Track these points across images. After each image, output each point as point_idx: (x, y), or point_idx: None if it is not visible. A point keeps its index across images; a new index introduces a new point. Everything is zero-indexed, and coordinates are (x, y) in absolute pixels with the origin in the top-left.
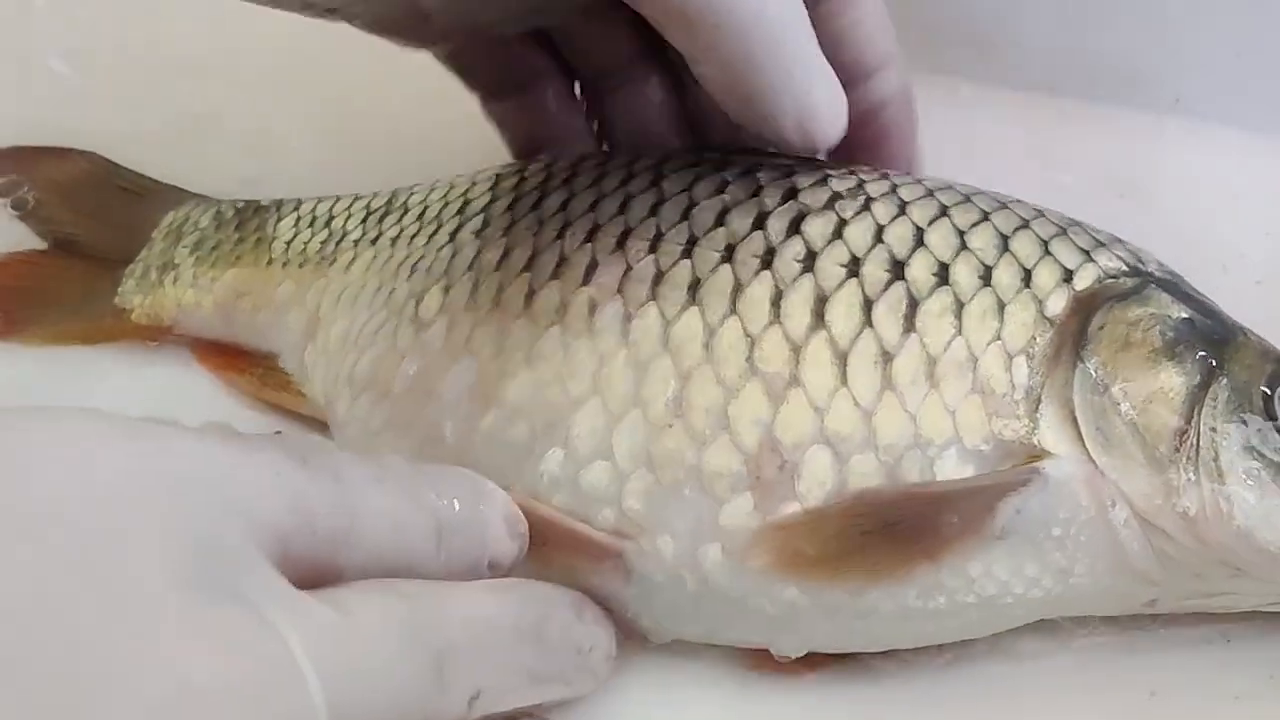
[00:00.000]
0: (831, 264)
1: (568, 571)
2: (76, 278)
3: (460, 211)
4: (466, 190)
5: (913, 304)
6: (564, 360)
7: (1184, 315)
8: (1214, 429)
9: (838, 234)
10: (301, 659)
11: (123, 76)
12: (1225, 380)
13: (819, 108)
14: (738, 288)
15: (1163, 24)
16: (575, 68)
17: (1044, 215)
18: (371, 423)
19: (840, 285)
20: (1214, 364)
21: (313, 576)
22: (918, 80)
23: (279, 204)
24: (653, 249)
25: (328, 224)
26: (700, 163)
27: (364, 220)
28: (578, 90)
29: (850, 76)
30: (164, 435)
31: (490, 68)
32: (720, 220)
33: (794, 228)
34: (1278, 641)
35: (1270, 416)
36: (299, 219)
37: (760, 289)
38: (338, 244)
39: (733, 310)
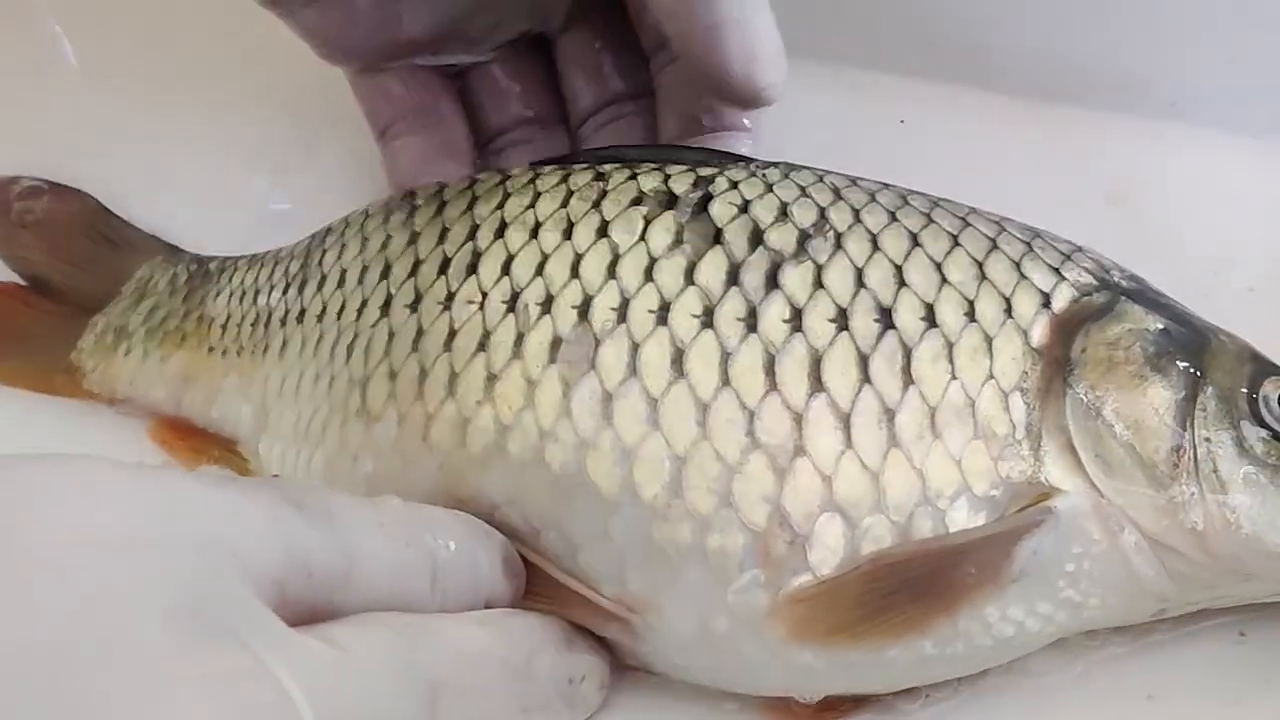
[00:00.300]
0: (820, 320)
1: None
2: (39, 320)
3: (384, 276)
4: (384, 245)
5: (906, 353)
6: (544, 450)
7: (1160, 326)
8: (1208, 439)
9: (818, 283)
10: (296, 696)
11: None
12: (1210, 389)
13: (767, 50)
14: (726, 356)
15: (1158, 30)
16: (476, 116)
17: (1005, 229)
18: None
19: (833, 342)
20: (1197, 373)
21: (309, 617)
22: (913, 87)
23: (220, 268)
24: (622, 318)
25: (255, 299)
26: (641, 198)
27: (285, 292)
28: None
29: None
30: (162, 481)
31: (404, 94)
32: (689, 277)
33: (771, 281)
34: (1275, 647)
35: (1258, 419)
36: (230, 294)
37: (750, 356)
38: (266, 326)
39: (725, 382)
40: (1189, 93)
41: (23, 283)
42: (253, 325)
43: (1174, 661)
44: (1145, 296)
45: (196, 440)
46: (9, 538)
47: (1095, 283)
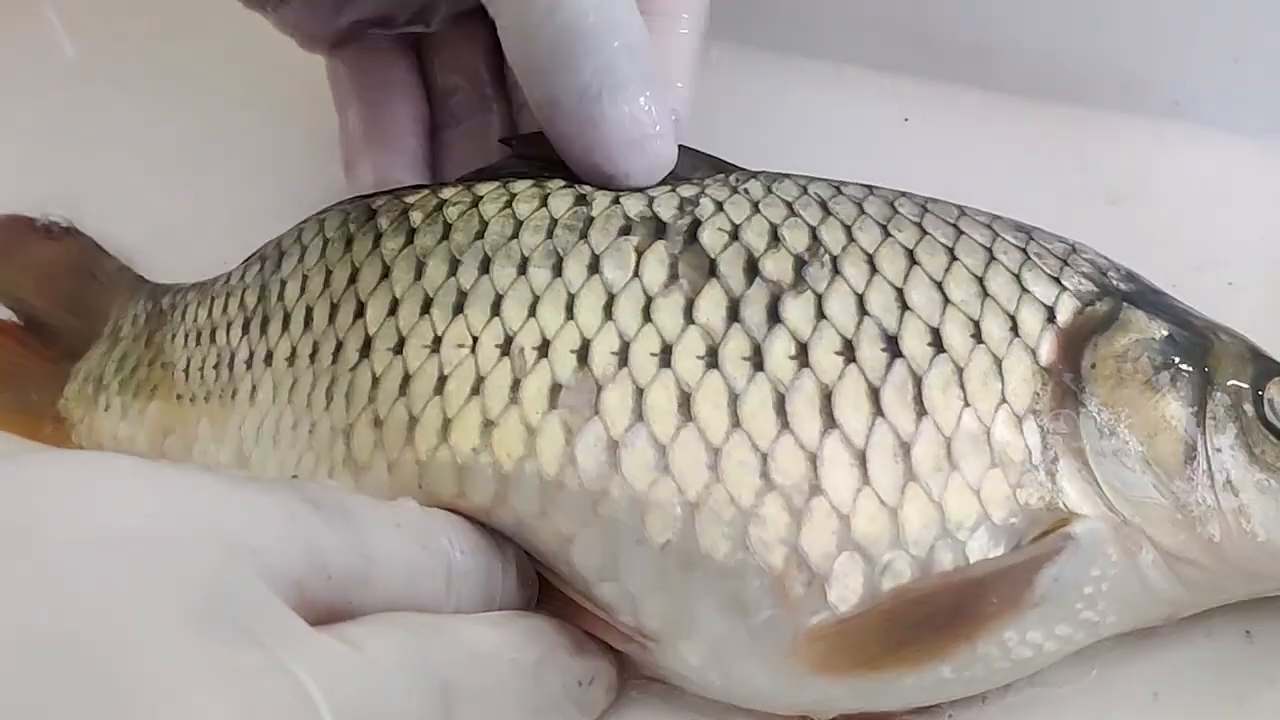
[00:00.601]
0: (826, 354)
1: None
2: (34, 361)
3: (359, 315)
4: (352, 278)
5: (917, 382)
6: (546, 499)
7: (1164, 333)
8: (1219, 449)
9: (820, 314)
10: (315, 695)
11: None
12: (1219, 394)
13: (609, 138)
14: (734, 398)
15: (1160, 30)
16: (431, 86)
17: (999, 235)
18: None
19: (841, 376)
20: (1204, 380)
21: (328, 616)
22: (915, 86)
23: (172, 305)
24: (623, 361)
25: (212, 338)
26: (630, 227)
27: (245, 329)
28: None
29: None
30: (181, 478)
31: (360, 66)
32: (689, 316)
33: (773, 315)
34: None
35: (1266, 424)
36: (185, 334)
37: (759, 395)
38: (231, 369)
39: (735, 424)
40: (1191, 92)
41: (18, 321)
42: (215, 369)
43: (1180, 660)
44: (1145, 299)
45: None
46: (34, 531)
47: (1096, 289)
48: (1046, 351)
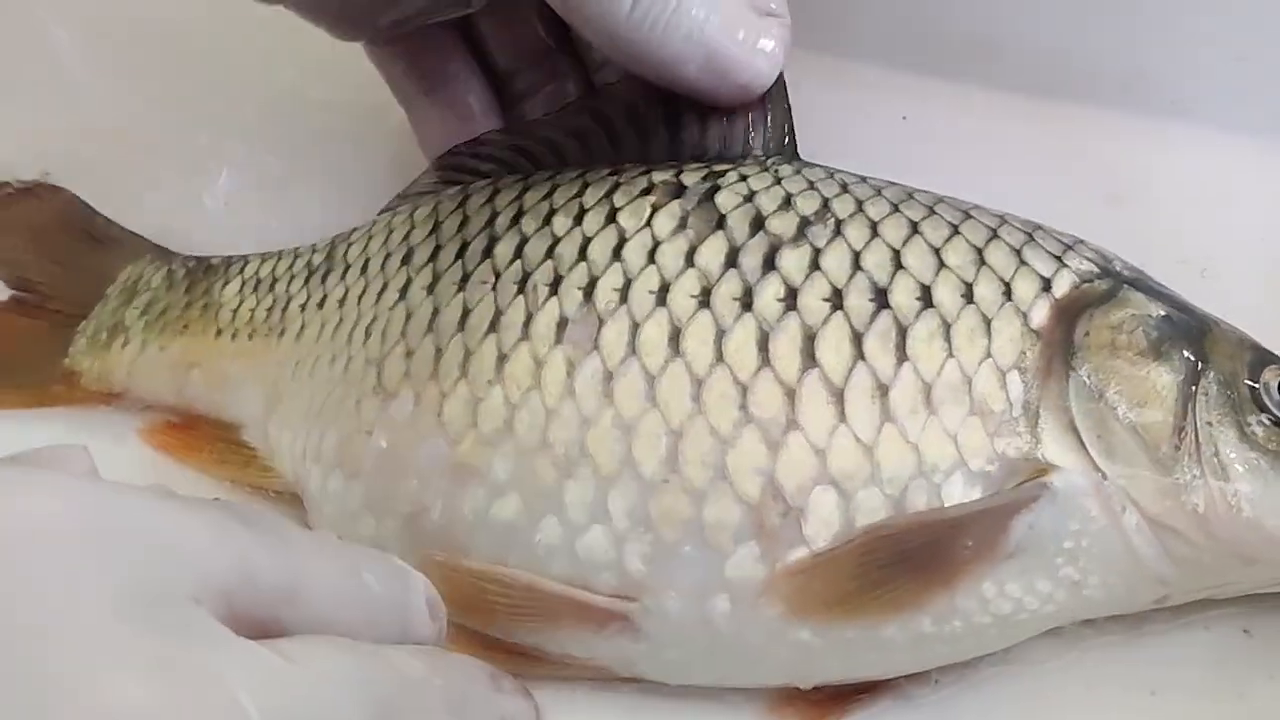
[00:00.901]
0: (815, 299)
1: (574, 637)
2: (28, 338)
3: (405, 262)
4: (407, 235)
5: (901, 331)
6: (547, 427)
7: (1162, 313)
8: (1210, 423)
9: (815, 265)
10: (244, 699)
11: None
12: (1212, 373)
13: (727, 47)
14: (721, 334)
15: (1163, 28)
16: (492, 66)
17: (1007, 221)
18: (348, 503)
19: (826, 320)
20: (1198, 359)
21: (259, 633)
22: (916, 83)
23: (227, 263)
24: (624, 298)
25: (271, 288)
26: (652, 188)
27: (307, 281)
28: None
29: None
30: (113, 488)
31: (414, 62)
32: (690, 260)
33: (769, 263)
34: (1278, 642)
35: (1259, 405)
36: (243, 283)
37: (744, 333)
38: (284, 311)
39: (719, 358)
40: (1192, 91)
41: (5, 297)
42: (268, 310)
43: (1178, 656)
44: (1147, 285)
45: (193, 436)
46: None
47: (1097, 270)
48: (1039, 316)
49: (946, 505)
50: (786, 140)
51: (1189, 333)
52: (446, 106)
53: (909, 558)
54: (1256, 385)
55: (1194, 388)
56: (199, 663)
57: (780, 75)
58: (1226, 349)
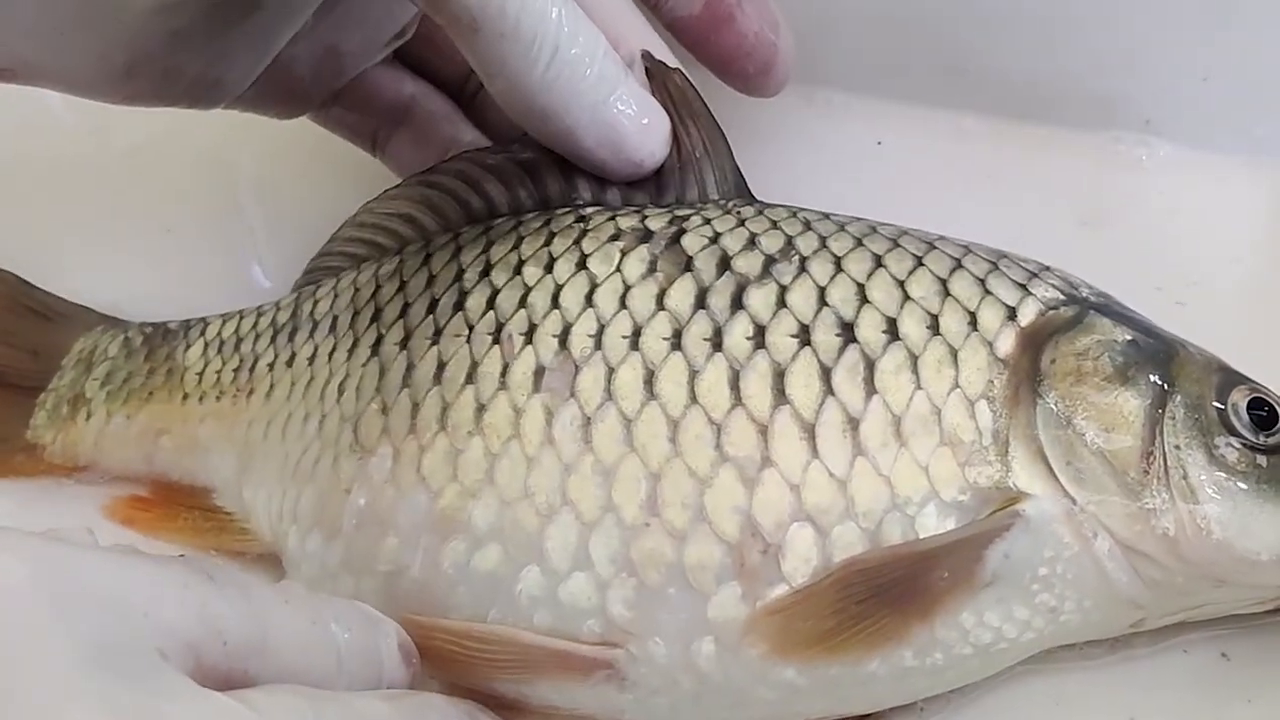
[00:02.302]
0: (782, 336)
1: (558, 689)
2: None
3: (375, 319)
4: (374, 293)
5: (869, 365)
6: (527, 475)
7: (1128, 338)
8: (1178, 447)
9: (781, 303)
10: None
11: None
12: (1179, 397)
13: (621, 123)
14: (693, 375)
15: (1131, 50)
16: (440, 81)
17: (972, 251)
18: (327, 562)
19: (795, 357)
20: (1165, 383)
21: (225, 685)
22: (889, 108)
23: (186, 326)
24: (598, 344)
25: (236, 348)
26: (619, 234)
27: (273, 340)
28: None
29: None
30: (74, 548)
31: (367, 107)
32: (660, 303)
33: (736, 303)
34: (1257, 665)
35: (1227, 428)
36: (206, 344)
37: (716, 373)
38: (251, 371)
39: (693, 399)
40: (1163, 113)
41: None
42: (235, 371)
43: (1156, 682)
44: (1113, 310)
45: (161, 508)
46: None
47: (1063, 297)
48: (1005, 346)
49: (921, 536)
50: (737, 182)
51: (1155, 357)
52: (415, 131)
53: (885, 591)
54: (1224, 407)
55: (1161, 412)
56: (163, 714)
57: (717, 125)
58: (1193, 372)
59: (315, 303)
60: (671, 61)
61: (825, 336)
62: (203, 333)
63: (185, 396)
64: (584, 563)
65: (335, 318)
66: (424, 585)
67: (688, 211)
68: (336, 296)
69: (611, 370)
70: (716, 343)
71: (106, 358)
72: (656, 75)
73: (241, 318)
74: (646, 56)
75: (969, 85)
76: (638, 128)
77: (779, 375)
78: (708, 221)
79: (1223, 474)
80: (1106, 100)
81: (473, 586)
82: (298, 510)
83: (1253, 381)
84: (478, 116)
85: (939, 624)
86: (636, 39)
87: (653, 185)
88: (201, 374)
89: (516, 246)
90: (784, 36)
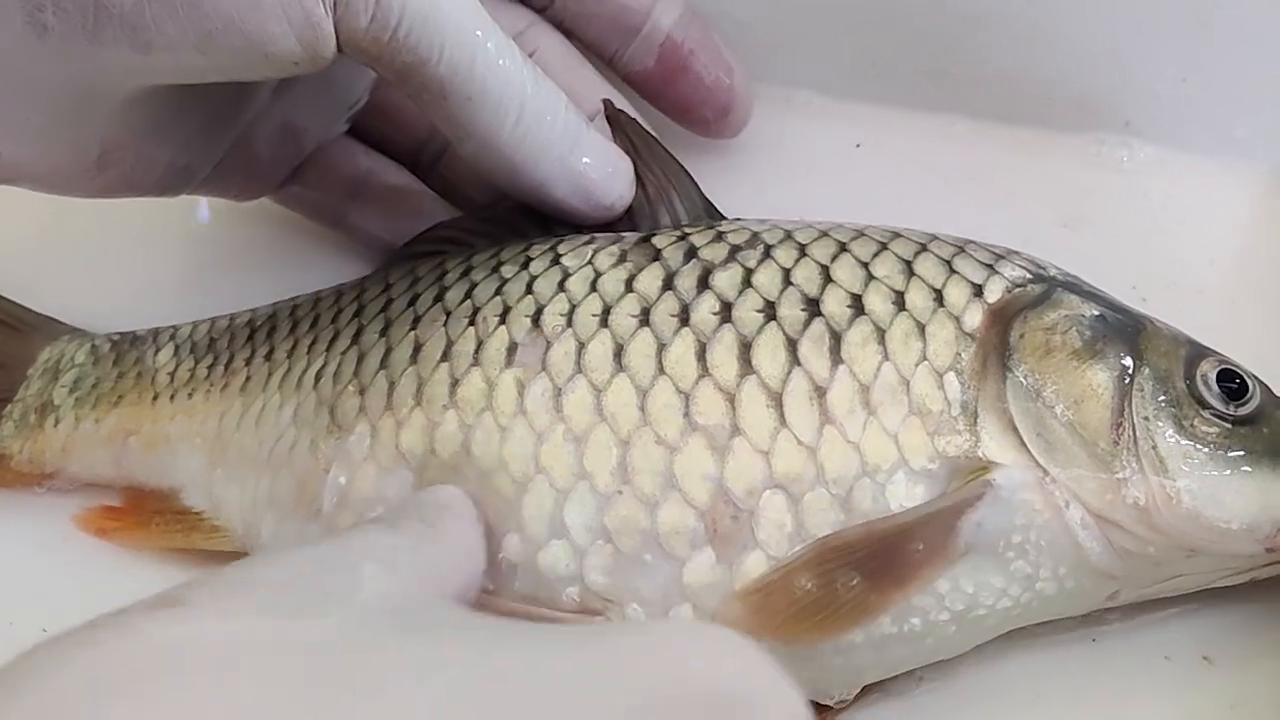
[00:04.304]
0: (748, 311)
1: None
2: None
3: (357, 315)
4: (358, 295)
5: (835, 337)
6: (503, 445)
7: (1095, 312)
8: (1146, 418)
9: (746, 283)
10: None
11: None
12: (1147, 370)
13: (589, 172)
14: (661, 348)
15: (1111, 51)
16: (396, 152)
17: (938, 238)
18: (306, 543)
19: (761, 330)
20: (1134, 355)
21: None
22: (868, 110)
23: (155, 333)
24: (569, 323)
25: (210, 347)
26: (594, 238)
27: (250, 338)
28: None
29: (627, 26)
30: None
31: (326, 183)
32: (629, 286)
33: (703, 284)
34: (1240, 670)
35: (1196, 399)
36: (177, 347)
37: (683, 345)
38: (227, 366)
39: (661, 370)
40: (1144, 114)
41: None
42: (209, 368)
43: (1138, 686)
44: (1081, 289)
45: (133, 516)
46: None
47: (1030, 276)
48: (972, 321)
49: (891, 504)
50: (707, 208)
51: (1123, 331)
52: (376, 204)
53: (862, 565)
54: (1193, 379)
55: (1130, 383)
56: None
57: (677, 161)
58: (1162, 345)
59: (295, 306)
60: (630, 111)
61: (791, 311)
62: (172, 337)
63: (155, 397)
64: (560, 530)
65: (318, 316)
66: None
67: (665, 231)
68: (319, 300)
69: (582, 345)
70: (684, 319)
71: (74, 365)
72: (616, 123)
73: (214, 323)
74: (608, 105)
75: (949, 87)
76: (603, 175)
77: (745, 347)
78: (678, 226)
79: (1192, 444)
80: (1087, 102)
81: None
82: (273, 495)
83: (1220, 354)
84: (437, 184)
85: (916, 595)
86: (594, 94)
87: (627, 223)
88: (174, 373)
89: (496, 254)
90: (739, 78)
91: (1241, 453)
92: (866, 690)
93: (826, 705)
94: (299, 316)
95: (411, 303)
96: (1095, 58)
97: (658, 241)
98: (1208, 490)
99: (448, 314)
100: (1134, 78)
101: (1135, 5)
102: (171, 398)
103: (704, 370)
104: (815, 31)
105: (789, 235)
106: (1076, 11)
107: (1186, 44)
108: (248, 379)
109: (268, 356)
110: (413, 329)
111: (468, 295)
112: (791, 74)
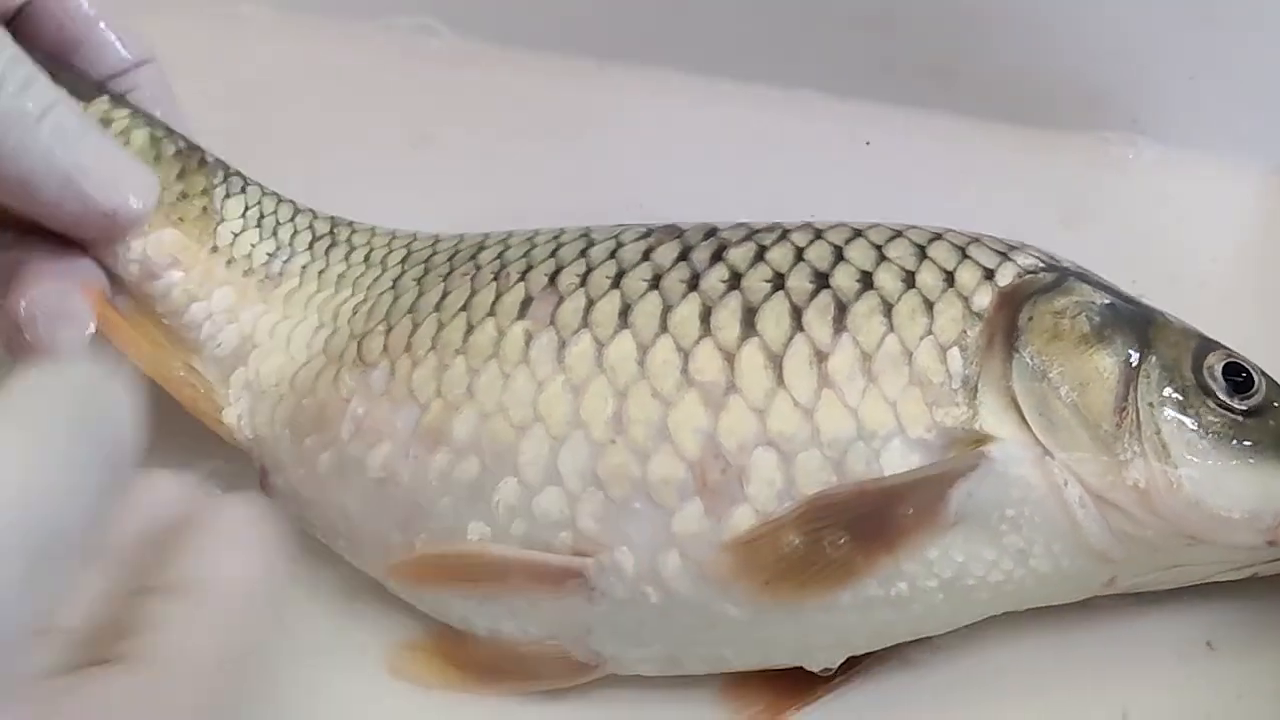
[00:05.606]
0: (757, 281)
1: (532, 601)
2: None
3: (403, 261)
4: (409, 243)
5: (841, 307)
6: (504, 391)
7: (1106, 301)
8: (1151, 404)
9: (759, 257)
10: None
11: None
12: (1154, 359)
13: (90, 169)
14: (667, 309)
15: (1118, 49)
16: None
17: (952, 230)
18: (319, 467)
19: (767, 298)
20: (1142, 344)
21: None
22: (877, 110)
23: (224, 168)
24: (583, 283)
25: (275, 232)
26: (629, 225)
27: (310, 245)
28: None
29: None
30: None
31: None
32: (646, 256)
33: (717, 256)
34: (1244, 658)
35: (1202, 389)
36: (246, 207)
37: (689, 308)
38: (285, 263)
39: (664, 329)
40: (1150, 111)
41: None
42: (269, 255)
43: (1143, 673)
44: (1092, 279)
45: (138, 323)
46: None
47: (1042, 264)
48: (981, 301)
49: (885, 469)
50: None
51: (1133, 320)
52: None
53: (851, 525)
54: (1200, 370)
55: (1136, 370)
56: None
57: None
58: (1170, 336)
59: (353, 231)
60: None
61: (799, 283)
62: (243, 190)
63: (215, 249)
64: (555, 476)
65: (370, 250)
66: (411, 494)
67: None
68: (374, 233)
69: (591, 303)
70: (693, 284)
71: (129, 143)
72: None
73: (280, 200)
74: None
75: (957, 86)
76: (105, 176)
77: (750, 311)
78: (710, 226)
79: (1196, 433)
80: (1093, 100)
81: (456, 497)
82: (295, 418)
83: (1228, 348)
84: None
85: (904, 560)
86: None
87: None
88: (238, 236)
89: (537, 230)
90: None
91: (1245, 444)
92: (860, 677)
93: (812, 673)
94: (355, 244)
95: (450, 257)
96: (1103, 56)
97: (683, 225)
98: (1210, 478)
99: (478, 269)
100: (1141, 76)
101: (1144, 3)
102: (229, 263)
103: (706, 331)
104: (824, 31)
105: (807, 224)
106: (1084, 10)
107: (1194, 42)
108: (297, 287)
109: (320, 274)
110: (444, 280)
111: (499, 256)
112: (800, 74)
